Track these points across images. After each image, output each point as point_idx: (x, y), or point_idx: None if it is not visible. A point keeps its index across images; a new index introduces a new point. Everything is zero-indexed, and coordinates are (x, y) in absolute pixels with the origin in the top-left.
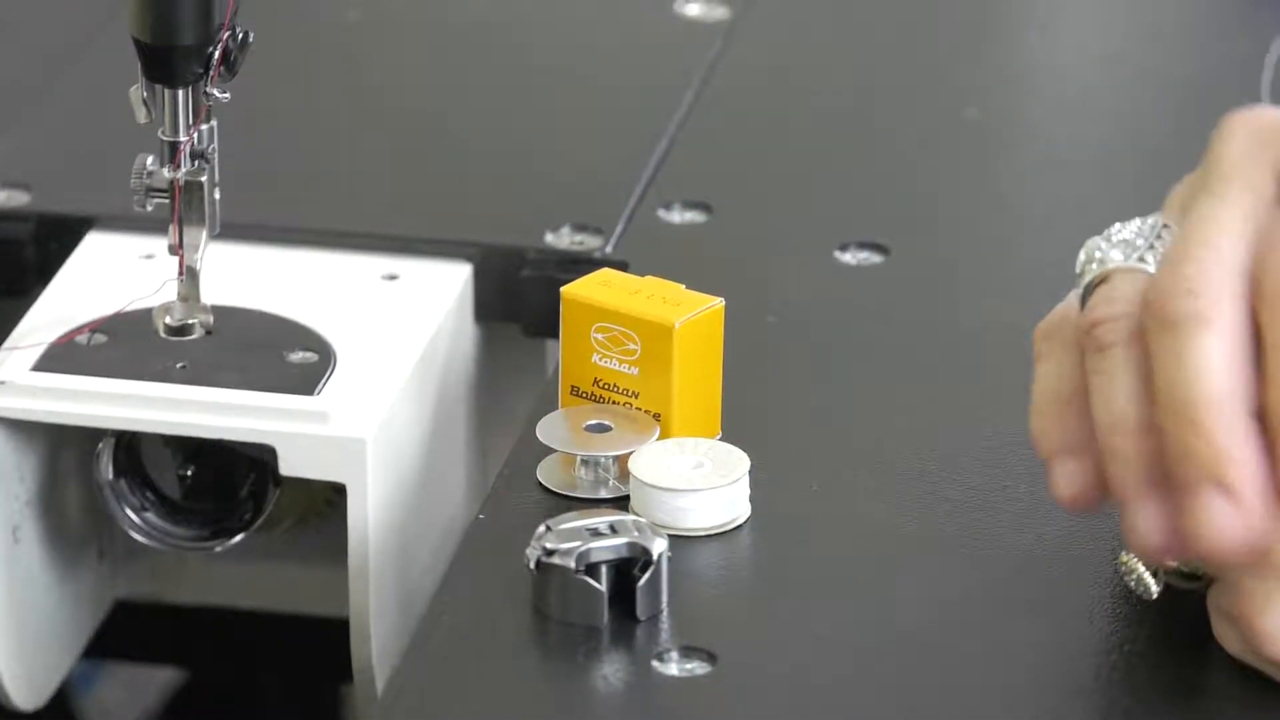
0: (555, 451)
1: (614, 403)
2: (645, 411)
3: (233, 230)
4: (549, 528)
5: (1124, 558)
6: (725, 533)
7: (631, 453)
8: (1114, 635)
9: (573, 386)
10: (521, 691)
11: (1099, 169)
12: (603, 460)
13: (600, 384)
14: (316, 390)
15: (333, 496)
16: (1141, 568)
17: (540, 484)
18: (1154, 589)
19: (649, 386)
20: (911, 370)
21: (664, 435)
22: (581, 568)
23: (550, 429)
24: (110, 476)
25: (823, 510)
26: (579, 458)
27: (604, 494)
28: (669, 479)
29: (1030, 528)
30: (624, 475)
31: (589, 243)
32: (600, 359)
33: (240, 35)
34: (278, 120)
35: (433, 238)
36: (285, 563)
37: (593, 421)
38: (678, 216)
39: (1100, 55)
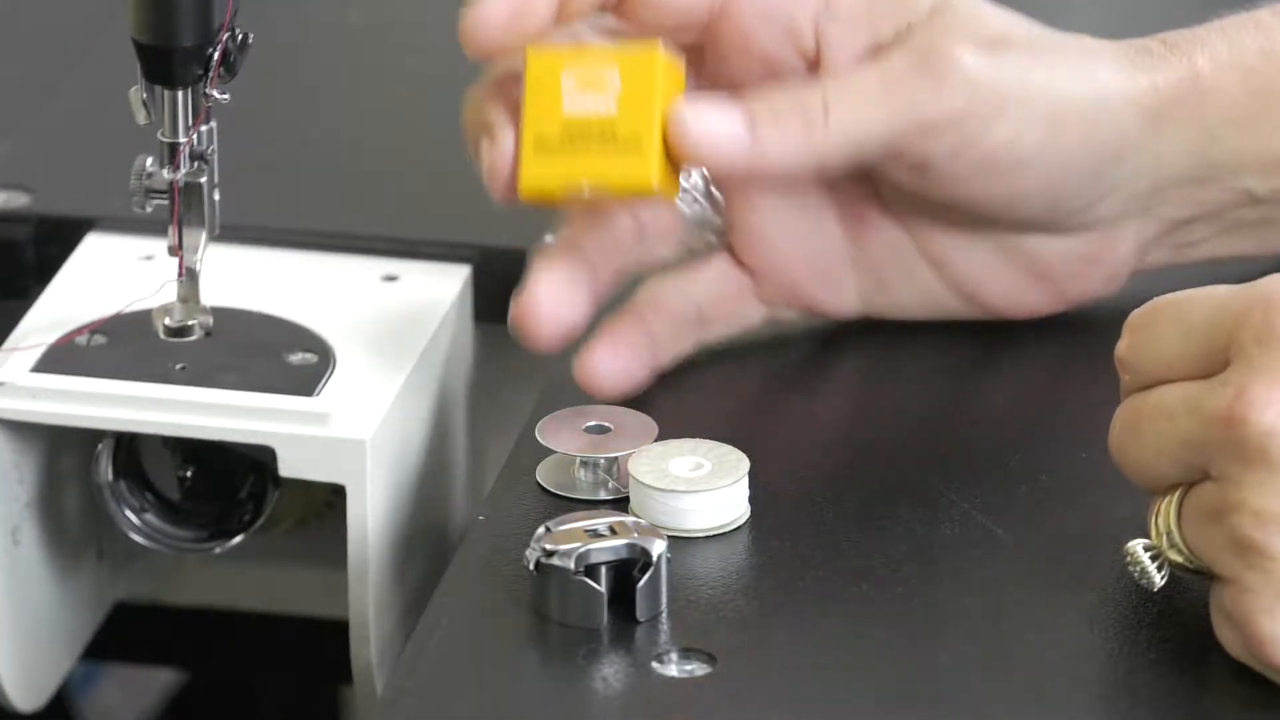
0: (554, 453)
1: (588, 147)
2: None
3: (232, 232)
4: (548, 529)
5: (1130, 548)
6: (725, 534)
7: (630, 454)
8: (1115, 638)
9: (537, 138)
10: (521, 692)
11: None
12: (602, 462)
13: (572, 132)
14: (316, 391)
15: (332, 498)
16: (1146, 559)
17: (540, 485)
18: (1157, 580)
19: (627, 120)
20: (912, 369)
21: (642, 168)
22: (581, 569)
23: (550, 430)
24: (110, 478)
25: (822, 511)
26: (578, 459)
27: (603, 495)
28: (668, 480)
29: (1033, 529)
30: (623, 477)
31: None
32: (572, 103)
33: (240, 37)
34: (277, 122)
35: (432, 239)
36: (285, 564)
37: (592, 423)
38: None
39: None
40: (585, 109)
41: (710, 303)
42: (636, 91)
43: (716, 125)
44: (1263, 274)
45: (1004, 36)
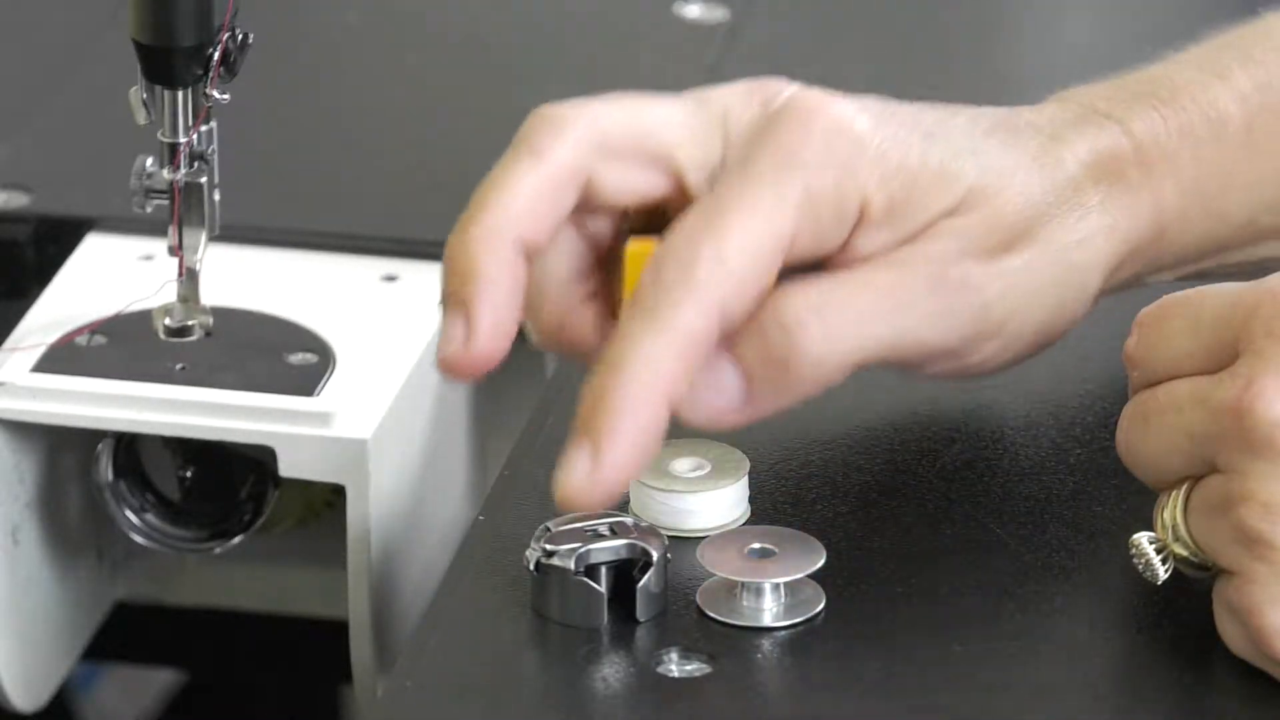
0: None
1: None
2: None
3: (232, 232)
4: (549, 529)
5: (1134, 540)
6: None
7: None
8: (1116, 636)
9: None
10: (521, 693)
11: None
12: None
13: None
14: (316, 391)
15: (332, 498)
16: (1151, 552)
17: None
18: (1161, 574)
19: None
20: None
21: None
22: (581, 569)
23: (711, 554)
24: (110, 478)
25: (822, 511)
26: (741, 584)
27: (768, 621)
28: (668, 480)
29: (1033, 528)
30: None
31: None
32: None
33: (240, 37)
34: (277, 122)
35: (432, 239)
36: (285, 564)
37: (755, 546)
38: None
39: (1100, 56)
40: None
41: None
42: None
43: (717, 401)
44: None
45: (1014, 235)
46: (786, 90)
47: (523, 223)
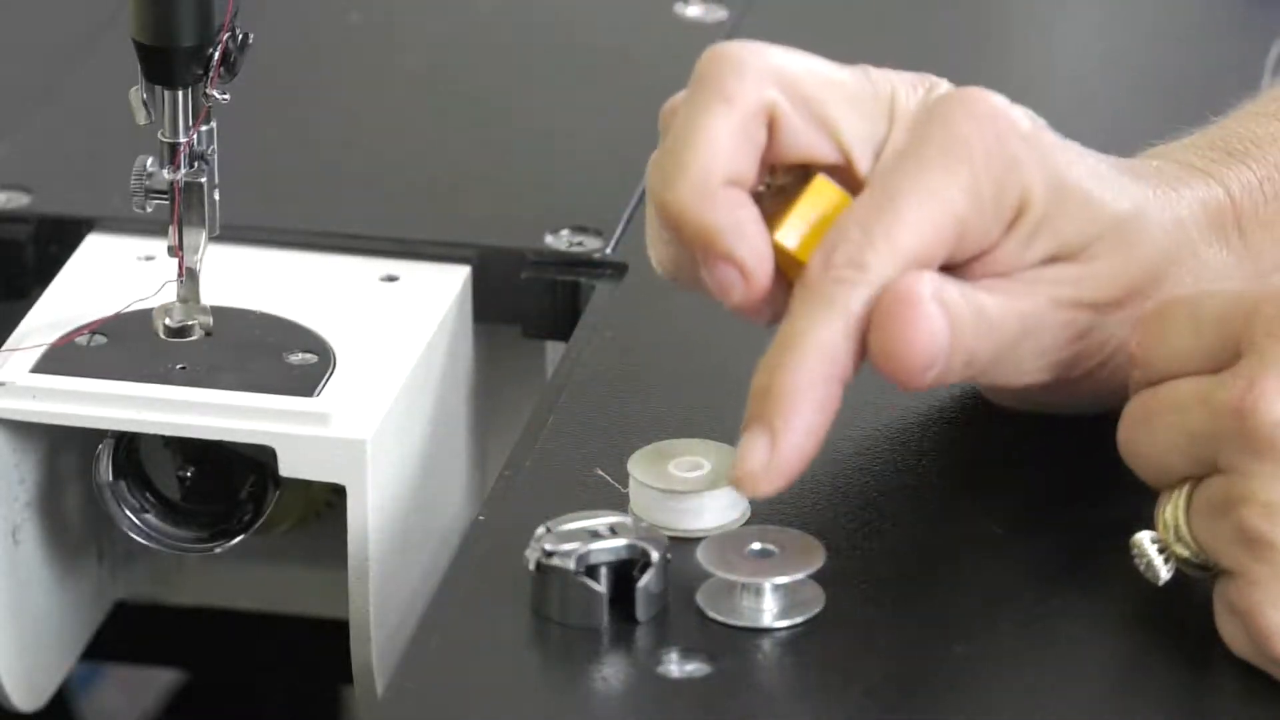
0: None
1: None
2: None
3: (232, 232)
4: (549, 529)
5: (1136, 540)
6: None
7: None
8: (1117, 637)
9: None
10: (521, 693)
11: None
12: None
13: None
14: (316, 391)
15: (332, 498)
16: (1153, 552)
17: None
18: (1162, 574)
19: None
20: None
21: None
22: (581, 569)
23: (713, 553)
24: (110, 478)
25: (822, 511)
26: (740, 584)
27: (767, 622)
28: (668, 480)
29: (1034, 529)
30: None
31: (588, 244)
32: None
33: (240, 37)
34: (277, 122)
35: (432, 239)
36: (285, 564)
37: (756, 546)
38: None
39: (1100, 56)
40: None
41: None
42: None
43: (928, 340)
44: None
45: (1135, 289)
46: (945, 84)
47: (729, 168)
